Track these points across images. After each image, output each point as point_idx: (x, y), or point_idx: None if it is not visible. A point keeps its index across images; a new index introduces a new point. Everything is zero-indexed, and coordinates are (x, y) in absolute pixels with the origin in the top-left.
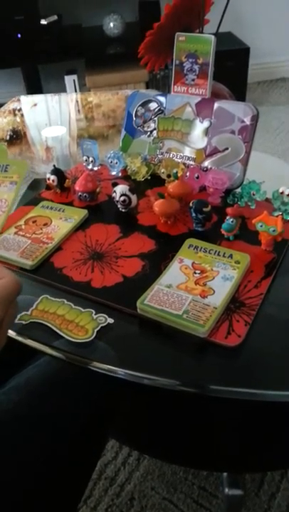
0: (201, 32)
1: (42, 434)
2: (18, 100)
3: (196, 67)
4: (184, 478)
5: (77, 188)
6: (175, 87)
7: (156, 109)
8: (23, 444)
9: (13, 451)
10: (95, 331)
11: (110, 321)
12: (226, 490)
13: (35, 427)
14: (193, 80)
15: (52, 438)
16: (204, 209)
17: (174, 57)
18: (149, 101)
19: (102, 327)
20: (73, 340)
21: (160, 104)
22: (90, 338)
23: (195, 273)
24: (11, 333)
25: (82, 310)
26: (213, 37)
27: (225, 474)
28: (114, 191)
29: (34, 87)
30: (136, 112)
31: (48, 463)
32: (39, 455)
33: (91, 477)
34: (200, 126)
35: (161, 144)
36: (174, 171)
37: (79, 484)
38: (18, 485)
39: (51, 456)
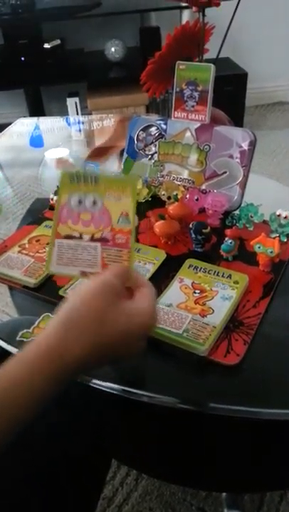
0: (201, 60)
1: (36, 455)
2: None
3: (195, 94)
4: (182, 499)
5: None
6: (175, 112)
7: (157, 134)
8: (20, 466)
9: (13, 468)
10: None
11: None
12: (225, 511)
13: (30, 447)
14: (193, 106)
15: (47, 460)
16: (204, 230)
17: (174, 84)
18: (150, 125)
19: None
20: None
21: (161, 128)
22: None
23: (195, 292)
24: (12, 350)
25: None
26: (212, 66)
27: (224, 495)
28: None
29: (36, 109)
30: (137, 135)
31: (43, 488)
32: (34, 478)
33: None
34: (199, 151)
35: (161, 167)
36: (174, 193)
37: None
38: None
39: (45, 481)
